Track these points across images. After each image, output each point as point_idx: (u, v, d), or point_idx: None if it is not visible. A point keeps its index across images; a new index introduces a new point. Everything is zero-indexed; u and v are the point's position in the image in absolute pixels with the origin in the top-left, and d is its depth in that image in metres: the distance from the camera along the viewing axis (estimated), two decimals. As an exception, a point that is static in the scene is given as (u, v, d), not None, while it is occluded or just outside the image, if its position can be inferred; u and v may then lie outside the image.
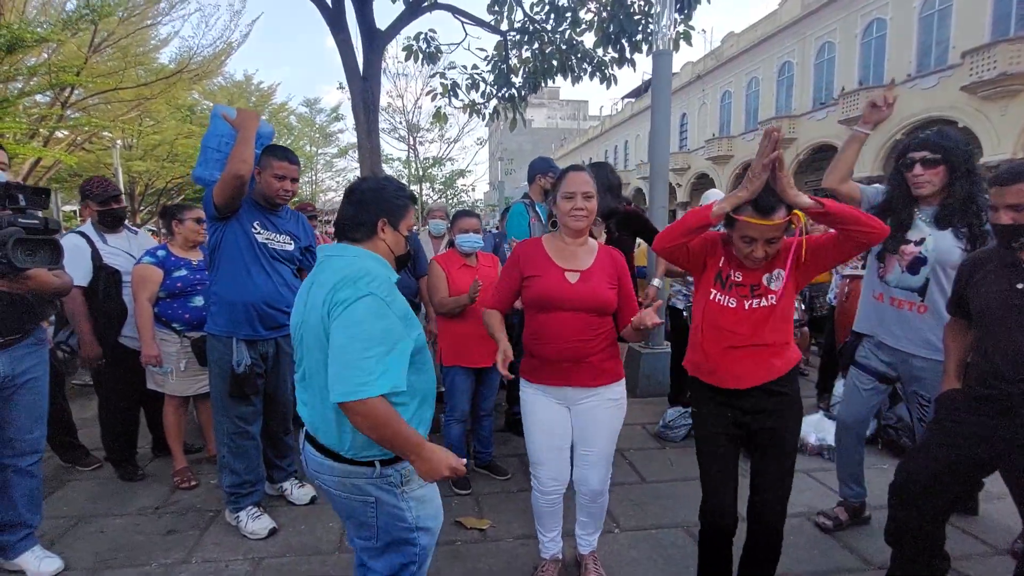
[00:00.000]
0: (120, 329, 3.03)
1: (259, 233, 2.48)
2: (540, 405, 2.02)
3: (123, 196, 3.16)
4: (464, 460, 1.42)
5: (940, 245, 2.13)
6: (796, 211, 1.58)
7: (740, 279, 1.76)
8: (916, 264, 2.19)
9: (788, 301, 1.76)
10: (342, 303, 1.30)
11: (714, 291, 1.79)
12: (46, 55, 11.63)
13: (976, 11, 15.08)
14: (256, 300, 2.45)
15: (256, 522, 2.51)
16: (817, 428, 3.48)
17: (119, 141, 15.81)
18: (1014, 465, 1.74)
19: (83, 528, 2.61)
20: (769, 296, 1.73)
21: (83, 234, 3.00)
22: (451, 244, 3.06)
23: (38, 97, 12.70)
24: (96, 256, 2.96)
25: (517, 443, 3.63)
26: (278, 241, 2.54)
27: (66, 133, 14.55)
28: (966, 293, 1.84)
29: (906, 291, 2.24)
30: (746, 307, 1.73)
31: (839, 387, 3.81)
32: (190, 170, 15.50)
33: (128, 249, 3.14)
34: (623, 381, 2.05)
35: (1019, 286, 1.68)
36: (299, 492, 2.81)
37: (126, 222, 3.27)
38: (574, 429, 2.04)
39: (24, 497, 2.23)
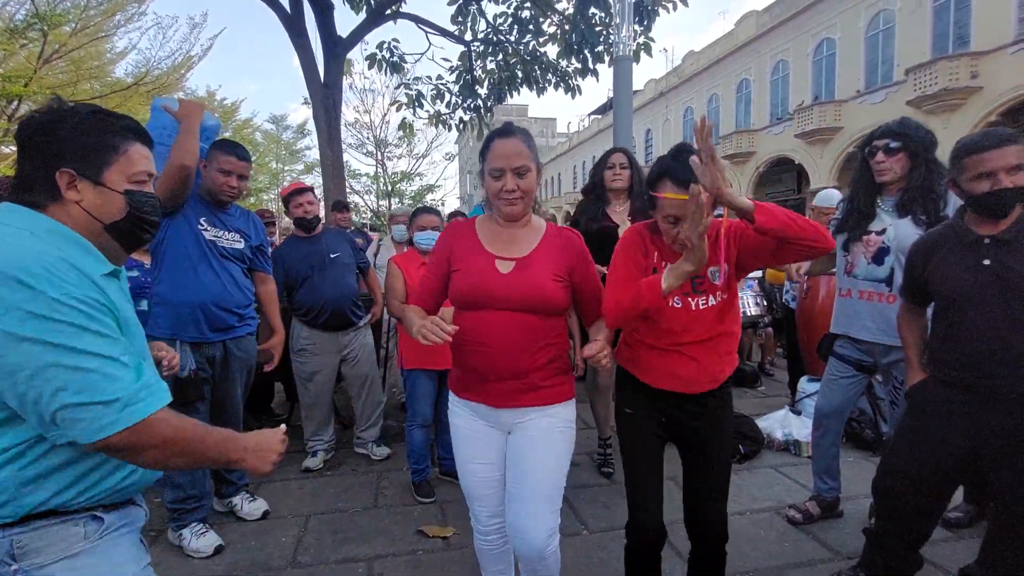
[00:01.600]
0: None
1: (206, 230, 2.36)
2: (470, 427, 1.64)
3: None
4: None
5: (900, 232, 2.16)
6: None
7: None
8: (880, 254, 2.22)
9: (734, 297, 1.61)
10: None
11: None
12: (-11, 67, 11.16)
13: (917, 31, 15.95)
14: (204, 300, 2.31)
15: (200, 540, 2.33)
16: (783, 424, 3.49)
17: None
18: (998, 453, 1.68)
19: None
20: (716, 293, 1.57)
21: None
22: (411, 243, 2.98)
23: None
24: None
25: (484, 449, 3.52)
26: (227, 239, 2.41)
27: (13, 148, 13.95)
28: (924, 278, 1.80)
29: (874, 283, 2.25)
30: (693, 307, 1.56)
31: (803, 383, 3.84)
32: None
33: None
34: (573, 402, 1.65)
35: (986, 262, 1.63)
36: (250, 507, 2.64)
37: None
38: (508, 460, 1.61)
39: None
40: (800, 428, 3.39)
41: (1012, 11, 13.47)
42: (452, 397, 1.69)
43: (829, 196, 3.88)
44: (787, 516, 2.57)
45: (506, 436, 1.63)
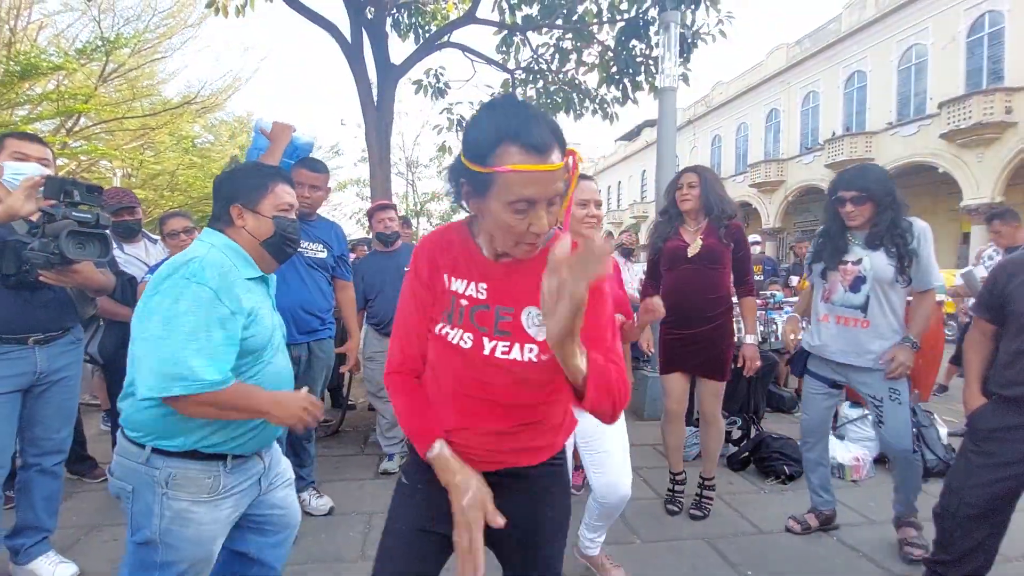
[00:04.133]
0: None
1: None
2: None
3: (139, 208, 3.22)
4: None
5: (876, 264, 2.33)
6: (570, 147, 0.98)
7: (484, 295, 1.08)
8: (857, 283, 2.38)
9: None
10: (161, 291, 1.24)
11: (441, 324, 1.11)
12: (53, 84, 11.87)
13: (950, 65, 15.97)
14: (292, 304, 2.49)
15: None
16: (827, 448, 3.52)
17: (119, 170, 15.97)
18: None
19: (95, 537, 2.56)
20: (527, 348, 1.04)
21: None
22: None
23: (39, 125, 12.90)
24: (113, 263, 2.99)
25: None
26: (312, 249, 2.61)
27: (65, 161, 14.71)
28: (1004, 295, 1.85)
29: (850, 308, 2.40)
30: (486, 351, 1.05)
31: (845, 409, 3.87)
32: (189, 199, 15.38)
33: (145, 259, 3.18)
34: None
35: None
36: (317, 503, 2.78)
37: (146, 231, 3.33)
38: (585, 432, 1.97)
39: (44, 499, 2.20)
40: (843, 452, 3.43)
41: (1049, 47, 13.44)
42: None
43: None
44: (787, 527, 2.67)
45: None
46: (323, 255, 2.65)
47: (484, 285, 1.08)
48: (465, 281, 1.10)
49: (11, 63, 10.14)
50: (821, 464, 2.66)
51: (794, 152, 21.91)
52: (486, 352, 1.05)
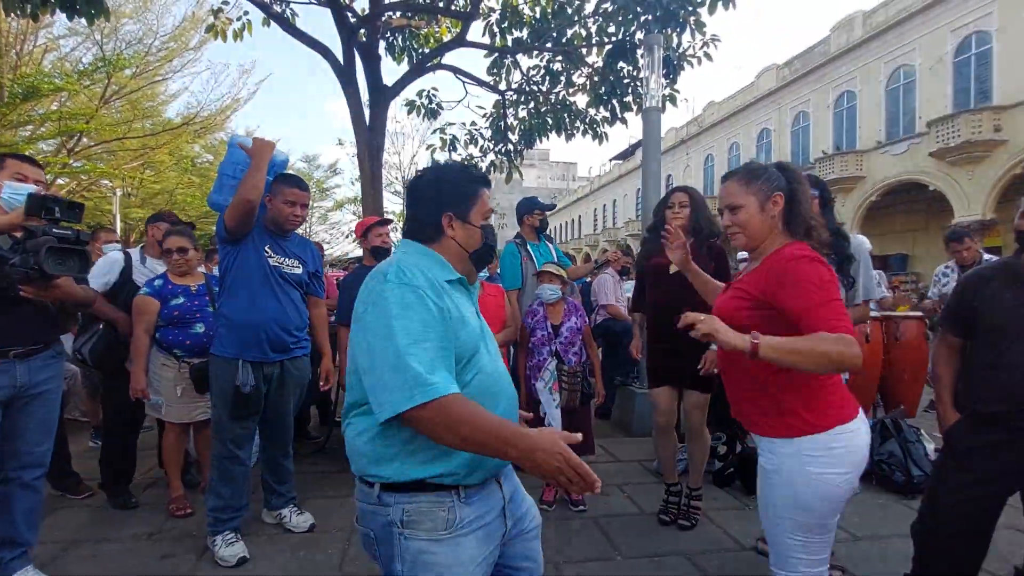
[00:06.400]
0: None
1: (270, 257, 2.55)
2: None
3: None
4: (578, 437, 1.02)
5: None
6: None
7: None
8: None
9: None
10: (369, 304, 1.13)
11: None
12: (56, 105, 12.06)
13: (938, 86, 16.28)
14: (267, 322, 2.48)
15: (228, 548, 2.44)
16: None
17: (119, 189, 16.11)
18: None
19: (75, 552, 2.55)
20: None
21: (126, 252, 3.25)
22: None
23: (41, 145, 13.05)
24: (126, 272, 3.10)
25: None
26: (288, 265, 2.60)
27: (66, 180, 14.85)
28: (973, 307, 1.83)
29: None
30: None
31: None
32: (187, 218, 15.66)
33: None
34: (789, 441, 1.47)
35: None
36: (297, 519, 2.77)
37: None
38: None
39: (24, 513, 2.20)
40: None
41: (1033, 68, 13.71)
42: None
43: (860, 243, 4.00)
44: (758, 549, 2.62)
45: None
46: (298, 271, 2.65)
47: None
48: None
49: (15, 85, 10.33)
50: None
51: (787, 171, 22.17)
52: None
